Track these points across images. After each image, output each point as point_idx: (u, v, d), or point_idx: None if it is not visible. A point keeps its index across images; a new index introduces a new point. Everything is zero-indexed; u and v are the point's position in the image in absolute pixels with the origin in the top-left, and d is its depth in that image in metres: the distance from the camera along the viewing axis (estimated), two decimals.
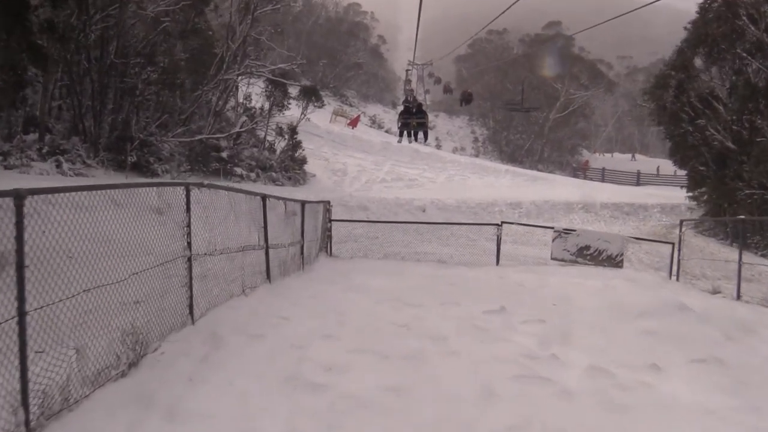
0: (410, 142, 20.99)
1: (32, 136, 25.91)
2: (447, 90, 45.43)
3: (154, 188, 6.14)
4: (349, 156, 39.69)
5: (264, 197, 9.32)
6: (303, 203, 11.71)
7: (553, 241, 14.33)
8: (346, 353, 6.15)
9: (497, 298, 9.02)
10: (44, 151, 25.37)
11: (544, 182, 42.64)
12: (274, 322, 7.24)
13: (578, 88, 72.70)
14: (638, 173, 67.60)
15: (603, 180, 65.95)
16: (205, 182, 7.35)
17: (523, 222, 17.23)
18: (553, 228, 14.69)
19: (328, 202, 14.60)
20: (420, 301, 8.76)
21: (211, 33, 34.53)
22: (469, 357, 6.26)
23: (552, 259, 14.37)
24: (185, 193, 6.65)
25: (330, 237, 14.61)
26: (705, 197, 26.97)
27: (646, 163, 75.48)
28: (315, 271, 11.87)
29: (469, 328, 7.43)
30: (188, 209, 6.70)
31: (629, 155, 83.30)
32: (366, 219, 21.96)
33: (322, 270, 12.04)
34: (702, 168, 24.56)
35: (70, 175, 25.25)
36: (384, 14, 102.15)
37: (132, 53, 27.75)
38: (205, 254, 7.25)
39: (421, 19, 16.27)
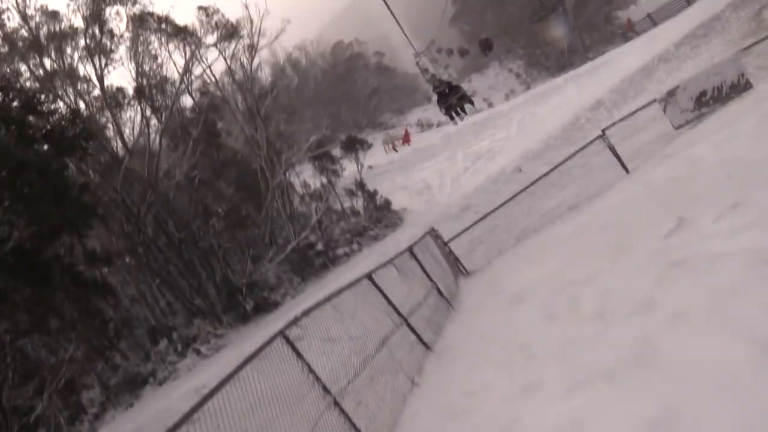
0: (462, 119, 20.09)
1: (163, 344, 26.46)
2: (463, 52, 43.62)
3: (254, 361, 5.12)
4: (422, 169, 38.51)
5: (369, 276, 8.26)
6: (409, 249, 10.61)
7: (664, 111, 12.45)
8: None
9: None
10: (179, 349, 25.79)
11: (606, 66, 39.75)
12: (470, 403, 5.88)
13: None
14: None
15: (655, 23, 61.23)
16: (298, 314, 6.31)
17: (615, 120, 15.24)
18: (654, 100, 12.77)
19: (432, 229, 13.44)
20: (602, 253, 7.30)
21: (239, 156, 34.83)
22: None
23: (677, 129, 12.47)
24: (284, 341, 5.64)
25: (456, 258, 13.41)
26: None
27: None
28: (465, 302, 10.68)
29: None
30: (298, 354, 5.66)
31: None
32: (474, 215, 20.66)
33: (471, 295, 10.85)
34: None
35: (212, 354, 25.48)
36: (364, 34, 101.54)
37: (186, 218, 28.11)
38: (348, 382, 6.17)
39: (394, 11, 15.03)
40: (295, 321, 6.06)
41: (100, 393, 25.00)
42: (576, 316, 6.10)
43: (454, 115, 18.78)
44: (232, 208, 30.16)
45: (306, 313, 6.48)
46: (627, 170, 12.56)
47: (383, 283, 8.42)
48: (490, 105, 65.83)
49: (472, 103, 19.46)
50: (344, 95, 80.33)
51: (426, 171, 37.32)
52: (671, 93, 12.35)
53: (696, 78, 12.31)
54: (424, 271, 10.46)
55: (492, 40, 26.75)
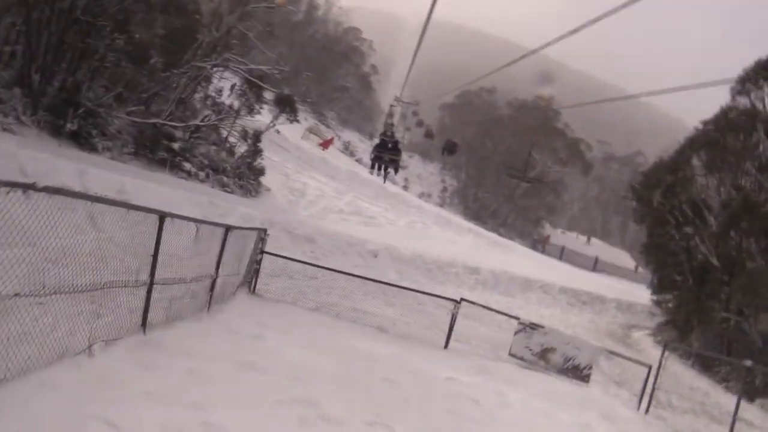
0: (379, 175, 20.66)
1: None
2: (428, 134, 43.69)
3: None
4: (312, 177, 37.28)
5: (162, 217, 6.82)
6: (228, 228, 9.24)
7: (515, 333, 12.11)
8: None
9: (445, 427, 6.64)
10: None
11: (504, 249, 40.90)
12: None
13: (555, 162, 71.98)
14: (596, 259, 66.82)
15: (561, 258, 64.92)
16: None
17: (477, 302, 14.95)
18: (518, 319, 12.43)
19: (264, 231, 12.10)
20: (341, 412, 6.24)
21: (198, 16, 32.02)
22: None
23: (510, 354, 12.14)
24: None
25: (257, 271, 12.10)
26: (671, 304, 25.31)
27: (601, 249, 75.09)
28: (222, 315, 9.35)
29: None
30: None
31: (585, 237, 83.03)
32: (310, 254, 19.58)
33: (233, 317, 9.53)
34: (678, 277, 22.84)
35: None
36: (382, 46, 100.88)
37: (102, 14, 25.02)
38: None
39: (417, 59, 14.36)
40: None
41: None
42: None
43: (377, 167, 19.14)
44: (146, 44, 27.34)
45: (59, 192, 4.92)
46: (447, 344, 11.99)
47: (168, 231, 7.02)
48: (405, 188, 66.35)
49: (396, 170, 20.04)
50: (321, 68, 78.34)
51: (313, 181, 36.11)
52: (534, 326, 12.04)
53: (561, 336, 12.13)
54: (220, 257, 9.12)
55: (457, 149, 26.70)
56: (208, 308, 9.19)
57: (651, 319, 32.60)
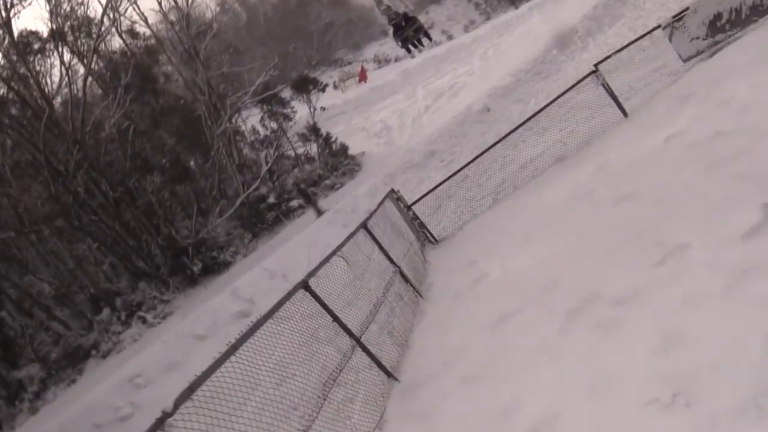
0: (420, 51, 20.00)
1: (106, 312, 24.25)
2: None
3: None
4: (381, 109, 35.98)
5: (305, 284, 6.02)
6: (363, 226, 8.39)
7: (670, 40, 10.28)
8: None
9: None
10: (123, 318, 23.65)
11: None
12: None
13: None
14: None
15: None
16: None
17: (608, 51, 12.98)
18: (659, 26, 10.50)
19: (392, 191, 11.18)
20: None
21: (182, 101, 31.71)
22: None
23: (686, 61, 10.33)
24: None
25: (422, 224, 11.26)
26: None
27: None
28: (433, 291, 8.60)
29: None
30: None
31: None
32: (440, 164, 18.50)
33: (440, 279, 8.77)
34: None
35: (159, 322, 23.38)
36: None
37: (124, 172, 25.35)
38: None
39: None
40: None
41: (40, 369, 22.98)
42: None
43: (411, 47, 18.36)
44: (174, 160, 27.45)
45: None
46: (625, 113, 10.43)
47: (322, 285, 6.26)
48: (449, 37, 62.85)
49: (428, 36, 18.84)
50: (296, 31, 75.99)
51: (385, 111, 34.84)
52: (678, 17, 10.12)
53: (701, 1, 10.08)
54: (384, 253, 8.32)
55: None
56: (419, 298, 8.46)
57: None
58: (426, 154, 19.34)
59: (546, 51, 23.23)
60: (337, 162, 28.29)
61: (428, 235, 11.19)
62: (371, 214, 9.04)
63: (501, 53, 32.06)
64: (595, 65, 10.46)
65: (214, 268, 24.78)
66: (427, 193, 12.05)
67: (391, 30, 19.22)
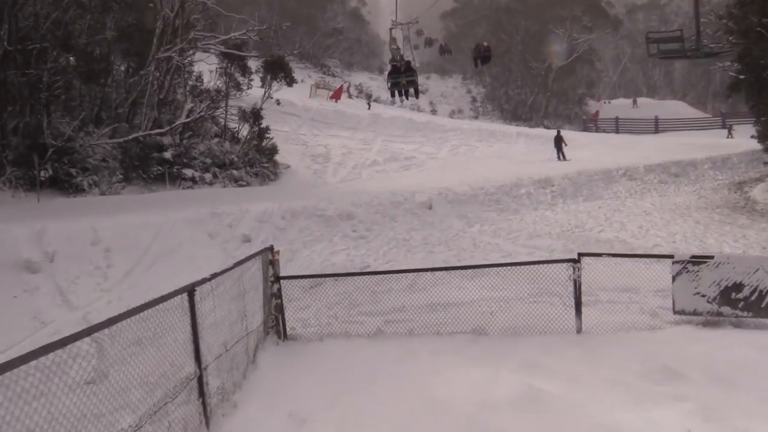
0: (402, 101, 21.81)
1: None
2: (443, 50, 38.64)
3: None
4: (333, 136, 33.32)
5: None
6: (190, 292, 5.50)
7: (673, 279, 8.13)
8: None
9: None
10: None
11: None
12: None
13: (582, 32, 65.53)
14: (656, 120, 61.06)
15: (618, 131, 59.65)
16: None
17: (600, 252, 10.76)
18: (671, 257, 8.31)
19: (270, 250, 8.24)
20: None
21: (152, 5, 27.86)
22: None
23: (676, 312, 8.19)
24: None
25: (281, 307, 8.36)
26: None
27: (653, 107, 69.02)
28: (232, 422, 5.75)
29: None
30: None
31: (630, 100, 76.67)
32: (352, 233, 15.80)
33: (250, 409, 5.94)
34: None
35: None
36: None
37: (32, 36, 21.24)
38: None
39: None
40: None
41: None
42: None
43: (396, 93, 18.71)
44: (96, 54, 23.60)
45: None
46: (579, 328, 8.12)
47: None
48: (432, 111, 61.55)
49: (416, 94, 19.37)
50: (306, 17, 73.03)
51: (334, 140, 32.16)
52: (698, 260, 8.01)
53: (741, 261, 8.03)
54: (193, 338, 5.44)
55: (491, 53, 22.27)
56: (207, 422, 5.56)
57: (753, 165, 28.03)
58: (343, 213, 16.60)
59: (515, 184, 21.29)
60: (256, 159, 25.15)
61: (281, 324, 8.33)
62: (217, 274, 6.16)
63: (471, 158, 30.29)
64: (580, 255, 8.11)
65: (63, 186, 20.86)
66: (301, 276, 9.25)
67: (388, 69, 19.75)
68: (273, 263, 8.18)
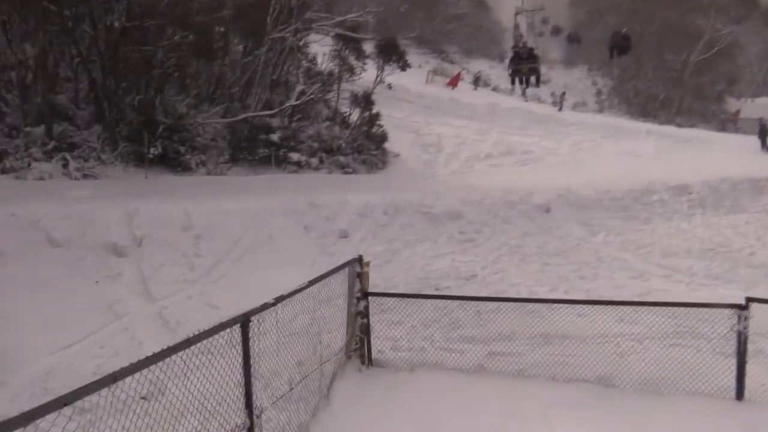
0: (522, 89, 21.45)
1: (39, 129, 20.34)
2: (573, 38, 36.09)
3: None
4: (446, 124, 31.77)
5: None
6: (244, 323, 4.30)
7: None
8: None
9: None
10: (50, 147, 19.76)
11: (699, 143, 33.08)
12: None
13: (727, 23, 59.85)
14: None
15: (761, 134, 54.01)
16: None
17: (717, 237, 8.62)
18: None
19: (359, 261, 6.94)
20: None
21: None
22: None
23: None
24: None
25: (367, 328, 7.10)
26: None
27: None
28: None
29: None
30: None
31: None
32: (459, 236, 14.34)
33: None
34: None
35: (77, 178, 19.45)
36: None
37: (151, 13, 21.20)
38: None
39: None
40: None
41: None
42: None
43: (516, 80, 18.45)
44: (211, 31, 23.35)
45: None
46: (741, 392, 6.31)
47: None
48: (554, 103, 58.48)
49: (538, 82, 19.14)
50: (427, 3, 71.44)
51: (448, 129, 30.62)
52: None
53: None
54: (246, 380, 4.27)
55: (631, 43, 20.17)
56: None
57: None
58: (451, 211, 15.17)
59: (646, 189, 18.99)
60: (365, 146, 24.14)
61: (366, 347, 7.09)
62: (284, 297, 4.96)
63: (596, 155, 27.86)
64: (748, 300, 6.23)
65: (171, 163, 20.80)
66: (393, 294, 7.88)
67: (510, 56, 19.21)
68: (361, 276, 6.91)
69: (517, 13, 23.43)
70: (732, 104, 66.89)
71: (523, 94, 38.89)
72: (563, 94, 57.91)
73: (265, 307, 4.64)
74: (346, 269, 6.65)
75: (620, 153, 29.11)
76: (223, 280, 10.64)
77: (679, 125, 54.32)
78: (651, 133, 34.01)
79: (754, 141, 40.26)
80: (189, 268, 10.91)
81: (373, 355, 7.29)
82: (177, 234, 11.82)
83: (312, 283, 5.60)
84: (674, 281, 11.24)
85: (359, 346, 7.10)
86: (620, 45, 20.06)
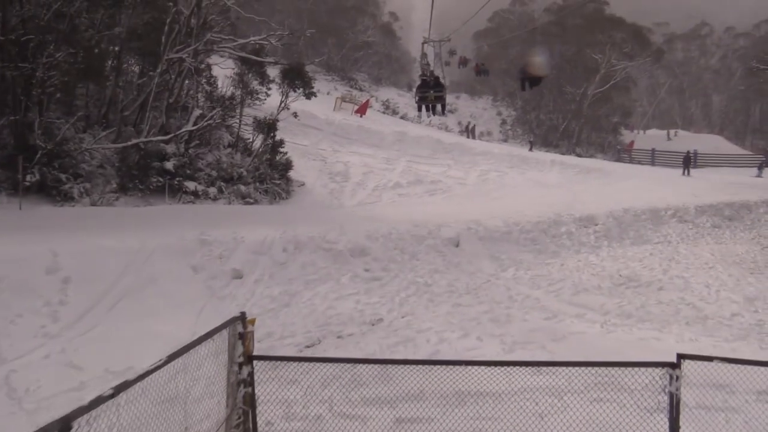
0: (428, 116, 21.42)
1: None
2: (480, 71, 36.40)
3: None
4: (354, 153, 31.08)
5: None
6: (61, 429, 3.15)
7: None
8: None
9: None
10: None
11: (600, 174, 33.83)
12: None
13: (621, 58, 62.80)
14: (694, 154, 57.93)
15: (653, 163, 56.66)
16: None
17: (623, 269, 8.17)
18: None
19: (241, 319, 5.75)
20: None
21: (170, 3, 25.91)
22: None
23: None
24: None
25: (252, 399, 5.91)
26: None
27: (689, 141, 65.73)
28: None
29: None
30: None
31: (665, 132, 73.31)
32: (364, 274, 13.42)
33: None
34: None
35: None
36: None
37: (31, 27, 19.29)
38: None
39: None
40: None
41: None
42: None
43: (423, 108, 18.69)
44: (102, 51, 21.65)
45: None
46: None
47: None
48: (461, 132, 59.11)
49: (443, 111, 19.38)
50: (334, 29, 71.25)
51: (355, 157, 29.92)
52: None
53: None
54: None
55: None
56: None
57: None
58: (355, 247, 14.25)
59: (554, 221, 18.82)
60: (269, 175, 22.95)
61: (251, 422, 5.97)
62: (130, 383, 3.84)
63: (503, 185, 27.82)
64: (680, 357, 5.61)
65: (50, 192, 18.83)
66: (284, 357, 6.82)
67: (417, 84, 19.31)
68: (244, 338, 5.82)
69: (424, 43, 23.19)
70: (627, 135, 70.12)
71: (429, 118, 38.95)
72: (474, 126, 58.72)
73: (97, 402, 3.50)
74: (226, 330, 5.54)
75: (527, 183, 29.27)
76: (92, 332, 9.21)
77: (579, 155, 56.16)
78: (555, 163, 34.55)
79: (652, 170, 41.84)
80: (51, 319, 9.40)
81: (260, 429, 6.17)
82: (40, 277, 10.25)
83: (172, 357, 4.46)
84: (588, 321, 10.77)
85: (242, 420, 5.97)
86: (532, 76, 20.12)
